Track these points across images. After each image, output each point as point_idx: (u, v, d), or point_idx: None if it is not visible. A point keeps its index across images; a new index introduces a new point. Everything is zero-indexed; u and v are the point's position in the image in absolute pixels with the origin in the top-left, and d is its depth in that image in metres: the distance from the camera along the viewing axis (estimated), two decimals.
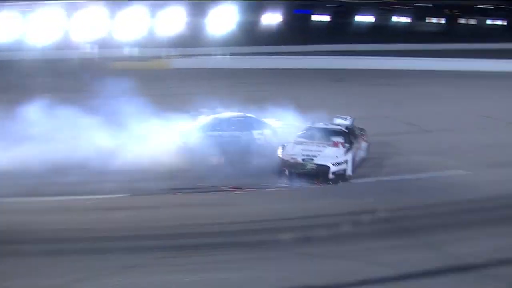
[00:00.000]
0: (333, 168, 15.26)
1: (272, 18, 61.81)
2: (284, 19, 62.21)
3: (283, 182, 15.04)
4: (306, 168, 15.30)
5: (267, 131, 17.47)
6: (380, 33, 59.85)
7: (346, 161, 15.40)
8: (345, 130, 16.65)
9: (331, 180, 15.16)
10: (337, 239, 11.92)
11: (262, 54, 40.14)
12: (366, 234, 12.18)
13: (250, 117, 17.74)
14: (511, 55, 43.12)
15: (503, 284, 10.30)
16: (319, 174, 15.16)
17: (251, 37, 47.27)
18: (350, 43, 49.46)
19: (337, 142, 15.86)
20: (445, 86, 31.93)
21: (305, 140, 16.16)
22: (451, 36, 64.51)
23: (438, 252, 11.38)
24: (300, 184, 14.97)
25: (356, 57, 40.83)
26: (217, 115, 17.77)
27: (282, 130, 17.54)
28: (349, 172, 15.42)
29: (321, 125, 16.87)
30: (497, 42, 58.77)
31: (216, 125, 17.32)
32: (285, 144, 16.09)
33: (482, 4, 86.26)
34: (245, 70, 35.70)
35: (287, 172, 15.31)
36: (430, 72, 37.80)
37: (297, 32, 53.85)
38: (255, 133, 17.30)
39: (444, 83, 33.06)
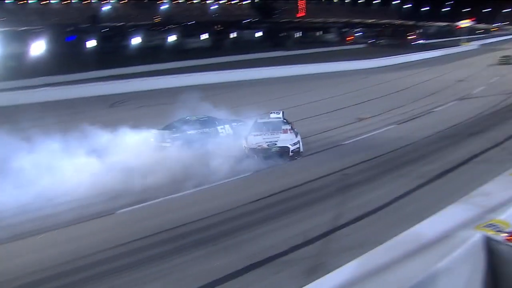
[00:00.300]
0: (291, 148, 19.10)
1: (37, 48, 59.72)
2: (50, 47, 60.28)
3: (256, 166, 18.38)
4: (272, 151, 19.00)
5: (227, 127, 21.57)
6: (150, 54, 60.24)
7: (298, 142, 19.35)
8: (285, 120, 20.83)
9: (291, 157, 18.94)
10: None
11: (27, 88, 37.43)
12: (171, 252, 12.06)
13: (212, 117, 21.75)
14: (269, 63, 46.78)
15: (295, 268, 10.73)
16: (283, 154, 18.98)
17: (16, 70, 45.39)
18: (122, 66, 49.30)
19: (286, 129, 19.99)
20: (222, 97, 32.78)
21: (259, 132, 20.03)
22: (218, 50, 66.60)
23: (238, 253, 11.58)
24: (269, 164, 18.42)
25: (130, 80, 40.77)
26: (184, 117, 21.38)
27: (236, 126, 21.73)
28: (301, 149, 19.27)
29: (266, 119, 20.97)
30: (257, 52, 63.09)
31: (186, 125, 20.78)
32: (247, 137, 19.74)
33: (242, 19, 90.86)
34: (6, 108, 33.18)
35: (256, 157, 18.85)
36: (205, 85, 38.81)
37: (65, 60, 52.63)
38: (219, 129, 21.33)
39: (219, 95, 34.02)
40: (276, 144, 19.21)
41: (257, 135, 19.83)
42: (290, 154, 19.06)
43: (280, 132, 19.87)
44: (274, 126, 20.37)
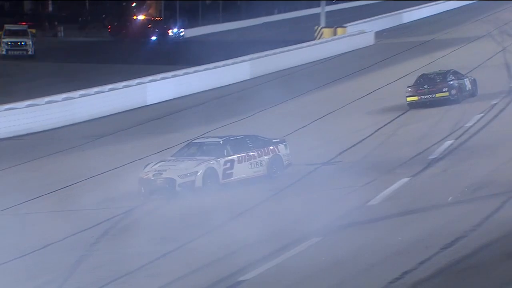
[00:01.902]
0: (179, 181, 15.91)
1: None
2: None
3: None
4: (157, 183, 15.99)
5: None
6: None
7: (195, 173, 16.00)
8: (221, 143, 17.08)
9: (179, 192, 15.89)
10: None
11: None
12: None
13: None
14: None
15: None
16: (167, 187, 15.90)
17: None
18: None
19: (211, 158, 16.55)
20: None
21: (174, 157, 16.91)
22: None
23: None
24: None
25: None
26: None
27: None
28: (198, 183, 16.04)
29: (201, 139, 17.86)
30: None
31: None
32: (147, 164, 16.78)
33: None
34: None
35: (143, 190, 16.09)
36: None
37: None
38: None
39: None
40: (162, 174, 16.09)
41: (161, 162, 16.73)
42: (177, 188, 15.92)
43: (194, 159, 16.57)
44: (207, 150, 16.94)
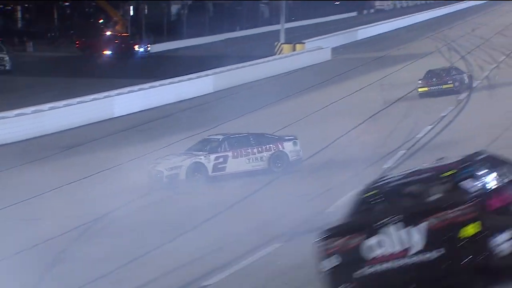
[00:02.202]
0: (166, 173, 17.41)
1: None
2: None
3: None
4: (151, 174, 17.72)
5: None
6: None
7: (180, 166, 17.39)
8: (220, 140, 18.39)
9: (166, 183, 17.37)
10: None
11: None
12: None
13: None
14: None
15: None
16: (158, 178, 17.51)
17: None
18: None
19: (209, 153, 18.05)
20: None
21: (182, 152, 18.38)
22: None
23: None
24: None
25: None
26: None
27: None
28: (182, 176, 17.41)
29: (208, 137, 19.07)
30: None
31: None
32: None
33: None
34: None
35: (148, 179, 17.84)
36: None
37: None
38: None
39: None
40: (155, 167, 17.81)
41: (168, 155, 18.32)
42: (164, 179, 17.35)
43: (189, 154, 17.97)
44: (208, 146, 18.32)
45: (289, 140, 18.69)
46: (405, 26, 72.06)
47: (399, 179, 8.72)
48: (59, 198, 17.45)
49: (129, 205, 16.30)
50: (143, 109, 31.48)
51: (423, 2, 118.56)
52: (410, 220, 7.87)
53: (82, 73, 44.02)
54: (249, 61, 41.74)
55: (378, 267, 8.02)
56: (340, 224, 8.64)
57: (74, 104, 29.44)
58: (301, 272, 10.75)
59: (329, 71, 40.49)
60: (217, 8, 77.62)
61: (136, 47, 56.12)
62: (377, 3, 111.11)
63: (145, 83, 33.71)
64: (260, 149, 18.27)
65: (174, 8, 74.71)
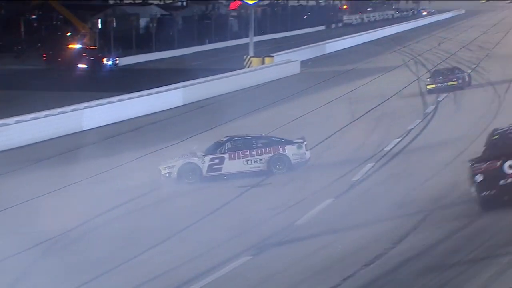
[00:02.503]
0: (163, 172, 19.01)
1: None
2: None
3: None
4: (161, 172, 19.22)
5: None
6: None
7: (173, 166, 18.85)
8: (222, 141, 19.50)
9: (163, 180, 18.94)
10: None
11: None
12: None
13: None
14: None
15: None
16: (161, 176, 19.06)
17: None
18: None
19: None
20: None
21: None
22: None
23: None
24: None
25: None
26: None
27: None
28: (173, 176, 18.84)
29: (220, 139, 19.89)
30: None
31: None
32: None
33: None
34: None
35: None
36: None
37: None
38: None
39: None
40: (160, 165, 19.38)
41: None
42: (161, 178, 18.91)
43: (188, 155, 19.31)
44: (214, 147, 19.63)
45: (293, 143, 19.35)
46: (373, 40, 72.82)
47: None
48: (25, 211, 17.23)
49: (101, 216, 16.15)
50: (112, 122, 31.25)
51: (390, 16, 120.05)
52: None
53: (50, 86, 43.59)
54: (219, 74, 41.76)
55: None
56: (480, 156, 13.58)
57: (42, 118, 29.10)
58: (269, 285, 10.75)
59: (298, 84, 40.67)
60: (186, 21, 77.58)
61: (105, 60, 55.81)
62: (345, 17, 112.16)
63: (114, 96, 33.50)
64: (260, 151, 19.09)
65: (143, 21, 74.51)
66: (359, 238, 12.88)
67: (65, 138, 28.50)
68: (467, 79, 33.23)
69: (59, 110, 30.17)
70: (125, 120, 31.67)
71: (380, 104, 30.80)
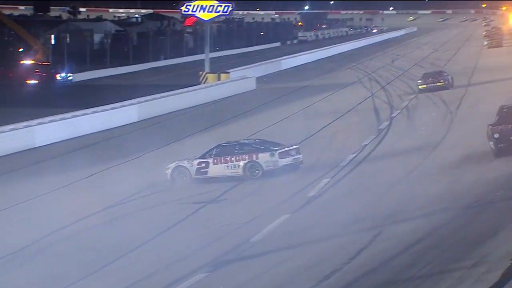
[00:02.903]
0: (166, 171, 20.80)
1: None
2: None
3: None
4: None
5: None
6: None
7: (168, 168, 20.65)
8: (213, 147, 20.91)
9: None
10: None
11: None
12: None
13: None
14: None
15: None
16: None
17: None
18: None
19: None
20: None
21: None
22: None
23: None
24: None
25: None
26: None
27: None
28: (168, 177, 20.63)
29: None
30: None
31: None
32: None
33: None
34: None
35: None
36: None
37: None
38: None
39: None
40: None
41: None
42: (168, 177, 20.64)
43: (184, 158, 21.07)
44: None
45: (265, 151, 20.33)
46: (327, 57, 73.59)
47: None
48: None
49: (54, 234, 15.89)
50: (66, 138, 30.85)
51: (344, 33, 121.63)
52: None
53: (1, 102, 42.87)
54: (174, 90, 41.63)
55: None
56: (495, 121, 19.27)
57: None
58: None
59: (254, 100, 40.80)
60: (141, 37, 77.30)
61: (58, 76, 55.15)
62: (299, 34, 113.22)
63: (67, 112, 33.09)
64: (238, 158, 20.29)
65: (97, 37, 74.00)
66: (315, 253, 12.92)
67: (17, 155, 28.02)
68: (450, 81, 38.03)
69: (11, 126, 29.67)
70: (79, 137, 31.29)
71: (335, 120, 31.09)
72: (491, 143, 19.18)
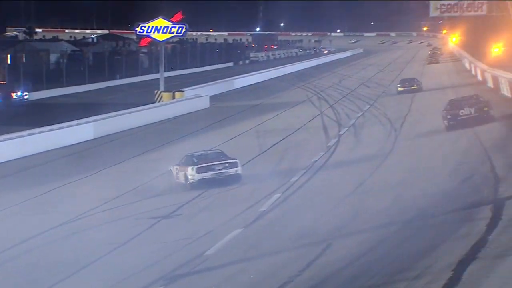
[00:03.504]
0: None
1: None
2: None
3: None
4: None
5: None
6: None
7: (170, 170, 22.34)
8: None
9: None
10: None
11: None
12: None
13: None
14: None
15: None
16: None
17: None
18: None
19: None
20: None
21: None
22: None
23: None
24: None
25: None
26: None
27: None
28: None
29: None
30: None
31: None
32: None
33: None
34: None
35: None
36: None
37: None
38: None
39: None
40: None
41: None
42: None
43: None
44: None
45: (190, 165, 21.31)
46: (278, 76, 74.07)
47: None
48: None
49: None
50: (22, 156, 30.25)
51: (294, 54, 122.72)
52: None
53: None
54: (130, 108, 41.31)
55: None
56: (447, 107, 28.40)
57: None
58: None
59: (208, 118, 40.75)
60: (97, 57, 76.60)
61: (14, 95, 54.23)
62: (251, 54, 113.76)
63: (24, 130, 32.49)
64: (183, 168, 21.60)
65: (53, 57, 73.02)
66: (267, 266, 12.92)
67: None
68: (421, 85, 46.42)
69: None
70: (35, 154, 30.73)
71: (286, 137, 31.24)
72: (445, 121, 27.71)
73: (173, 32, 48.34)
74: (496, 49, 59.02)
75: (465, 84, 49.03)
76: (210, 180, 20.97)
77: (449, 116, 27.52)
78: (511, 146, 20.42)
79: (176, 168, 21.83)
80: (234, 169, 21.22)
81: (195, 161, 21.27)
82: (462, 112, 27.30)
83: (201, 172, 20.91)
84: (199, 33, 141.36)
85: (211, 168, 21.00)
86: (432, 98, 41.31)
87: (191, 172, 20.92)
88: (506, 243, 10.28)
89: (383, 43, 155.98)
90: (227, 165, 21.25)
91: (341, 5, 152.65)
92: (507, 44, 57.02)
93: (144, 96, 50.36)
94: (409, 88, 45.72)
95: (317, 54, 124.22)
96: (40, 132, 32.84)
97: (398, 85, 46.82)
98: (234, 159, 21.69)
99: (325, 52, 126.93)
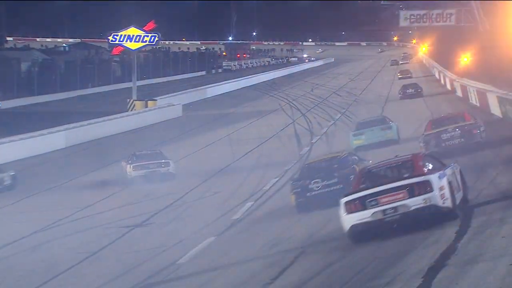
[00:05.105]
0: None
1: None
2: None
3: None
4: None
5: None
6: None
7: (121, 165, 24.53)
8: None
9: None
10: None
11: None
12: None
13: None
14: None
15: None
16: None
17: None
18: None
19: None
20: None
21: None
22: None
23: None
24: None
25: None
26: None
27: None
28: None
29: None
30: None
31: None
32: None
33: None
34: None
35: None
36: None
37: None
38: None
39: None
40: None
41: None
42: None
43: None
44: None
45: (131, 163, 23.61)
46: (251, 85, 74.22)
47: None
48: None
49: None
50: None
51: (266, 63, 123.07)
52: None
53: None
54: (102, 117, 41.03)
55: None
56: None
57: None
58: None
59: (180, 126, 40.66)
60: (69, 65, 75.98)
61: None
62: (224, 63, 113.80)
63: None
64: (125, 165, 24.04)
65: (24, 65, 72.27)
66: (239, 275, 12.88)
67: None
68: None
69: None
70: (5, 163, 30.32)
71: (258, 145, 31.28)
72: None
73: (145, 41, 48.22)
74: (465, 59, 59.91)
75: (436, 93, 49.60)
76: (143, 177, 22.95)
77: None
78: (478, 151, 20.65)
79: (124, 164, 24.10)
80: (166, 168, 23.32)
81: (134, 159, 23.25)
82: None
83: (136, 170, 22.98)
84: (171, 42, 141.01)
85: (145, 167, 23.01)
86: (400, 107, 41.73)
87: (129, 169, 23.30)
88: (474, 250, 10.40)
89: (382, 52, 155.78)
90: (160, 164, 23.32)
91: (314, 15, 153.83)
92: (475, 54, 57.91)
93: (116, 104, 50.08)
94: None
95: (289, 63, 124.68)
96: (10, 141, 32.54)
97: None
98: (167, 159, 23.71)
99: (306, 61, 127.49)
